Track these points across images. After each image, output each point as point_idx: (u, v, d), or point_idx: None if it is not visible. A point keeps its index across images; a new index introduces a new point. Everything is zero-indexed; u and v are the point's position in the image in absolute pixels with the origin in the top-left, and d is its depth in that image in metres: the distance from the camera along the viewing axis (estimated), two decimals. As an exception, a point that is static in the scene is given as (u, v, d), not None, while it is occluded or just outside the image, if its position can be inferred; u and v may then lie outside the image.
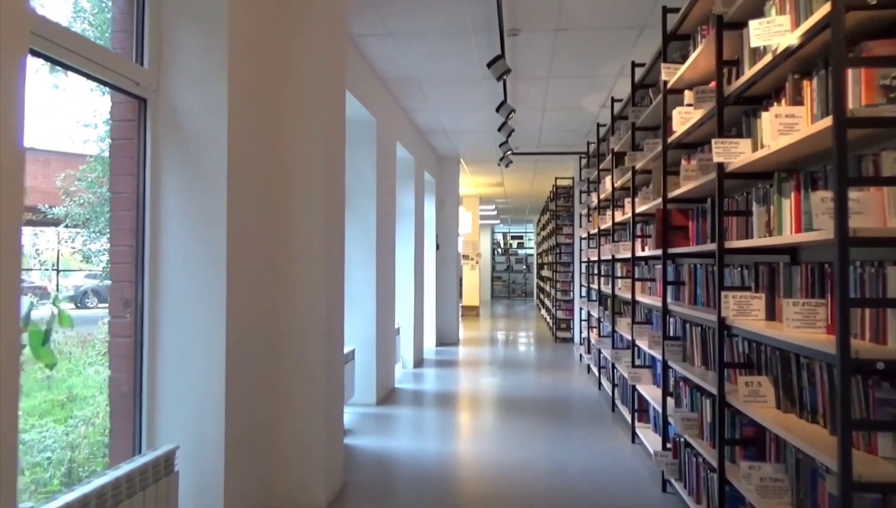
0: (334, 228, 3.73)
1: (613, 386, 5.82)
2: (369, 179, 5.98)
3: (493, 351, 9.98)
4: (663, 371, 3.84)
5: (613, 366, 5.76)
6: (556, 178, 11.10)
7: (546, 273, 14.75)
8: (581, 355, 8.68)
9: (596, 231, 7.13)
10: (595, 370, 7.27)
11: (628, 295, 5.00)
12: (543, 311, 15.72)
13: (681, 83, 3.66)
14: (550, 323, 12.74)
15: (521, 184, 13.85)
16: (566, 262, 11.21)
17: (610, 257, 5.92)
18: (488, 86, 6.23)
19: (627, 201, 5.09)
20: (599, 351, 6.78)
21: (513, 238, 26.66)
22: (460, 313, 14.92)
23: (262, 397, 3.35)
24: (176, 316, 2.90)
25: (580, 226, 8.90)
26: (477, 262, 16.80)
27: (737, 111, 2.95)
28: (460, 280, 15.88)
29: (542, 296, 16.81)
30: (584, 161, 9.14)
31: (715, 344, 2.95)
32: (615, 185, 5.73)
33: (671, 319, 3.95)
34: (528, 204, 18.36)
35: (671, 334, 3.91)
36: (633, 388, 4.79)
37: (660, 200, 3.92)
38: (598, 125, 7.07)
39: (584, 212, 8.42)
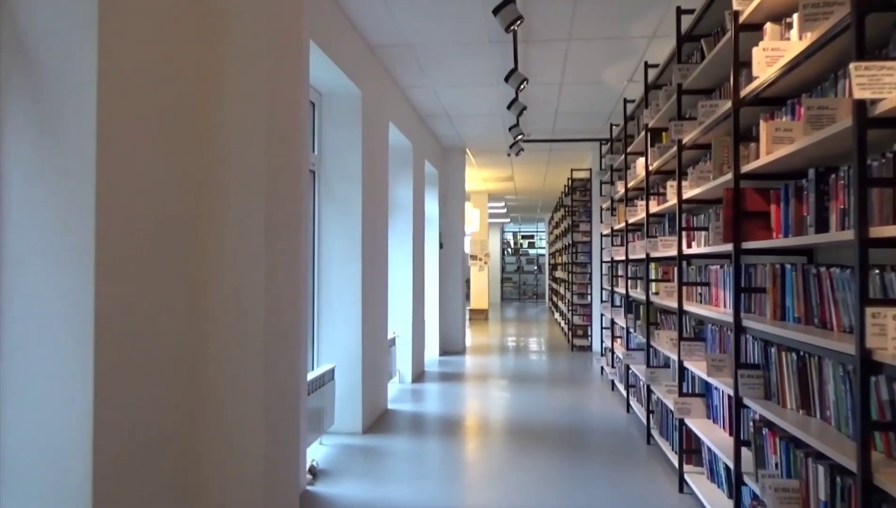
0: (287, 222, 2.75)
1: (648, 412, 4.80)
2: (352, 164, 4.99)
3: (502, 360, 8.96)
4: (736, 410, 2.82)
5: (648, 389, 4.74)
6: (571, 170, 10.08)
7: (560, 274, 13.72)
8: (602, 367, 7.66)
9: (622, 225, 6.11)
10: (621, 388, 6.25)
11: (669, 303, 3.99)
12: (557, 315, 14.68)
13: (758, 14, 2.65)
14: (565, 329, 11.71)
15: (532, 179, 12.82)
16: (583, 263, 10.19)
17: (643, 256, 4.90)
18: (495, 53, 5.23)
19: (670, 186, 4.07)
20: (628, 368, 5.76)
21: (523, 237, 25.61)
22: (468, 318, 13.93)
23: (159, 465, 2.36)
24: (22, 331, 1.93)
25: (601, 222, 7.88)
26: (485, 263, 15.79)
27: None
28: (467, 282, 14.87)
29: (554, 299, 15.77)
30: (605, 148, 8.12)
31: (839, 385, 1.94)
32: (650, 169, 4.71)
33: (745, 338, 2.93)
34: (539, 201, 17.33)
35: (746, 360, 2.89)
36: (681, 422, 3.77)
37: (728, 177, 2.90)
38: (625, 101, 6.05)
39: (606, 205, 7.40)
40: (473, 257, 15.65)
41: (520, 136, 6.91)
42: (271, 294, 2.57)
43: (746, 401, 2.71)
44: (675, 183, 3.93)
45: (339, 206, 4.99)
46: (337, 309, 4.97)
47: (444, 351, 9.41)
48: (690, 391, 3.86)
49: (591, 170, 9.81)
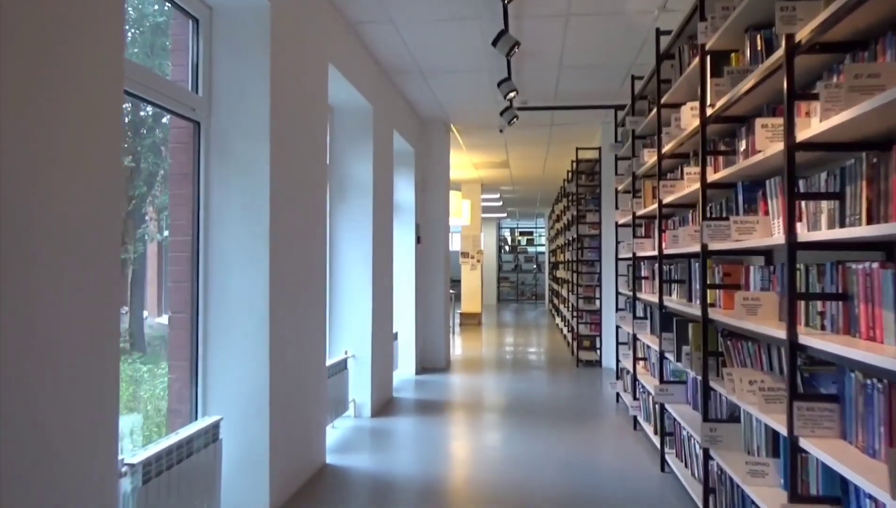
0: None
1: (707, 489, 3.13)
2: (252, 115, 3.32)
3: (493, 381, 7.29)
4: None
5: (706, 455, 3.08)
6: (576, 150, 8.39)
7: (561, 274, 12.02)
8: (618, 394, 5.99)
9: (651, 208, 4.45)
10: (648, 430, 4.58)
11: (752, 326, 2.36)
12: (558, 319, 13.01)
13: None
14: (568, 338, 10.04)
15: (530, 164, 11.14)
16: (590, 260, 8.51)
17: (693, 248, 3.25)
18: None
19: (763, 126, 2.39)
20: (663, 409, 4.08)
21: (521, 233, 23.91)
22: (456, 325, 12.27)
23: None
24: None
25: (616, 209, 6.21)
26: (478, 261, 14.11)
27: None
28: (456, 282, 13.21)
29: (555, 301, 14.10)
30: (621, 115, 6.44)
31: None
32: (708, 114, 3.04)
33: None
34: (538, 192, 15.64)
35: None
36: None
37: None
38: (658, 33, 4.35)
39: (624, 186, 5.73)
40: (465, 255, 13.98)
41: (512, 93, 5.23)
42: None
43: None
44: (763, 126, 2.26)
45: (233, 172, 3.31)
46: (231, 325, 3.29)
47: (422, 368, 7.74)
48: (811, 492, 2.19)
49: (600, 149, 8.14)
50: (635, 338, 5.07)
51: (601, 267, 8.07)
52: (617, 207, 6.12)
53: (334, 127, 5.40)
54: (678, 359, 3.63)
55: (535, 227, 23.64)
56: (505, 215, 21.06)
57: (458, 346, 10.31)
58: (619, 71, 5.78)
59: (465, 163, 11.00)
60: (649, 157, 4.46)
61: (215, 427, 3.01)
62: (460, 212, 10.45)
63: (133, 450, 2.60)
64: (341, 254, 5.41)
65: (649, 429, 4.60)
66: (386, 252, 6.07)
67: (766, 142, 2.29)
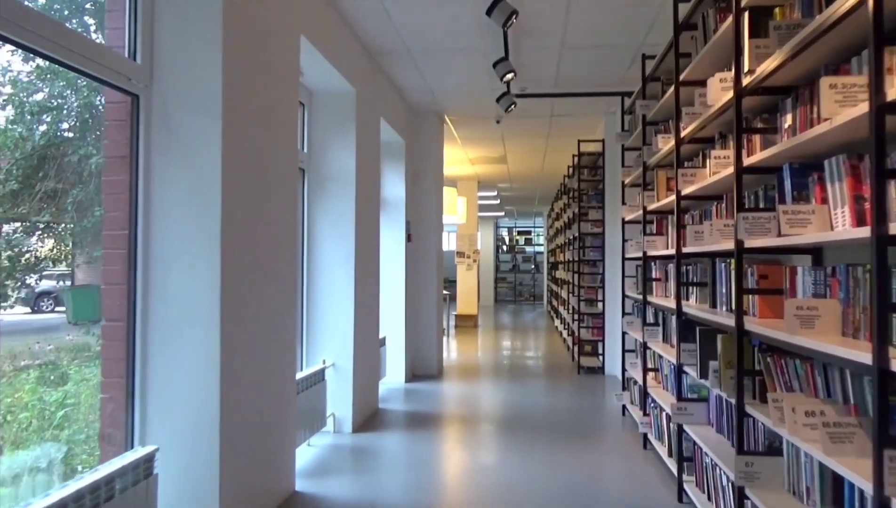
0: None
1: (740, 535, 2.61)
2: (202, 86, 2.80)
3: (489, 390, 6.77)
4: None
5: (741, 494, 2.56)
6: (578, 142, 7.87)
7: (561, 274, 11.50)
8: (624, 407, 5.47)
9: (666, 202, 3.95)
10: (661, 451, 4.07)
11: (792, 338, 1.85)
12: (557, 322, 12.50)
13: None
14: (568, 343, 9.53)
15: (528, 159, 10.63)
16: (592, 260, 8.00)
17: (724, 246, 2.74)
18: None
19: (830, 85, 1.88)
20: (680, 430, 3.56)
21: (519, 233, 23.40)
22: (450, 327, 11.76)
23: None
24: None
25: (623, 205, 5.70)
26: (474, 260, 13.58)
27: None
28: (451, 283, 12.71)
29: (554, 303, 13.59)
30: (622, 108, 5.93)
31: None
32: (745, 83, 2.52)
33: None
34: (537, 191, 15.13)
35: None
36: None
37: None
38: (676, 2, 3.83)
39: (632, 179, 5.22)
40: (460, 254, 13.46)
41: (510, 74, 4.72)
42: None
43: None
44: (831, 87, 1.75)
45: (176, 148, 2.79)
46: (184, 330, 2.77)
47: (413, 376, 7.22)
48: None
49: (603, 141, 7.63)
50: (645, 347, 4.56)
51: (604, 267, 7.56)
52: (624, 202, 5.61)
53: (313, 112, 4.88)
54: (702, 376, 3.12)
55: (534, 226, 23.13)
56: (503, 214, 20.55)
57: (452, 350, 9.80)
58: (627, 52, 5.26)
59: (460, 158, 10.48)
60: (664, 144, 3.95)
61: (148, 459, 2.49)
62: (455, 209, 9.93)
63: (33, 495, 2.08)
64: (321, 252, 4.90)
65: (662, 451, 4.09)
66: (371, 250, 5.55)
67: (836, 108, 1.78)
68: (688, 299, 3.70)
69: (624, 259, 5.60)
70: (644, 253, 4.57)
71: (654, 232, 4.52)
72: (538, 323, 14.77)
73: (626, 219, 5.43)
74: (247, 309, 3.03)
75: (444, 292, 12.14)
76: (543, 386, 7.00)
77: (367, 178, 5.31)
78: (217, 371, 2.77)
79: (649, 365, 4.60)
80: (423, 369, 7.36)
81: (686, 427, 3.41)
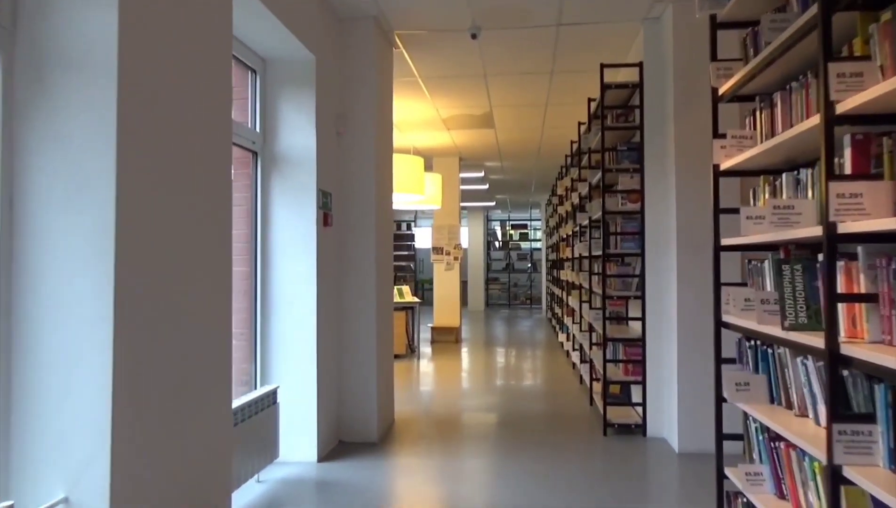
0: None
1: None
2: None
3: (468, 474, 3.95)
4: None
5: None
6: (602, 68, 5.02)
7: (568, 275, 8.62)
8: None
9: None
10: None
11: None
12: (562, 337, 9.69)
13: None
14: (581, 371, 6.73)
15: (524, 116, 7.80)
16: (624, 254, 5.21)
17: None
18: None
19: None
20: None
21: (514, 227, 20.58)
22: (430, 339, 8.99)
23: None
24: None
25: (716, 139, 2.90)
26: (456, 258, 10.75)
27: None
28: (425, 285, 9.88)
29: (557, 310, 10.78)
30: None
31: None
32: None
33: None
34: (533, 173, 12.30)
35: None
36: None
37: None
38: None
39: (737, 80, 2.42)
40: (437, 250, 10.64)
41: None
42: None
43: None
44: None
45: None
46: None
47: (339, 443, 4.43)
48: None
49: (641, 66, 4.83)
50: (770, 433, 1.75)
51: (644, 265, 4.77)
52: (718, 134, 2.77)
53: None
54: None
55: (530, 219, 20.33)
56: (493, 204, 17.71)
57: (419, 383, 6.99)
58: None
59: (430, 117, 7.67)
60: None
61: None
62: (421, 186, 7.10)
63: None
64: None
65: None
66: (214, 237, 2.75)
67: None
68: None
69: (718, 248, 2.78)
70: (829, 226, 1.76)
71: (851, 170, 1.72)
72: (536, 334, 11.96)
73: (723, 168, 2.63)
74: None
75: (415, 300, 9.35)
76: (553, 465, 4.17)
77: (215, 111, 2.51)
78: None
79: (795, 475, 1.79)
80: (355, 430, 4.55)
81: None
